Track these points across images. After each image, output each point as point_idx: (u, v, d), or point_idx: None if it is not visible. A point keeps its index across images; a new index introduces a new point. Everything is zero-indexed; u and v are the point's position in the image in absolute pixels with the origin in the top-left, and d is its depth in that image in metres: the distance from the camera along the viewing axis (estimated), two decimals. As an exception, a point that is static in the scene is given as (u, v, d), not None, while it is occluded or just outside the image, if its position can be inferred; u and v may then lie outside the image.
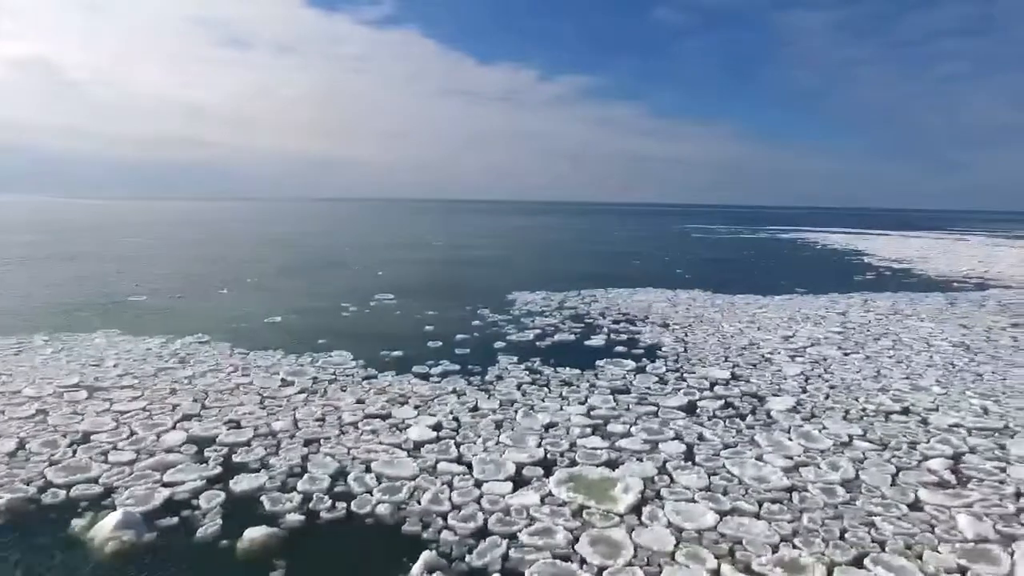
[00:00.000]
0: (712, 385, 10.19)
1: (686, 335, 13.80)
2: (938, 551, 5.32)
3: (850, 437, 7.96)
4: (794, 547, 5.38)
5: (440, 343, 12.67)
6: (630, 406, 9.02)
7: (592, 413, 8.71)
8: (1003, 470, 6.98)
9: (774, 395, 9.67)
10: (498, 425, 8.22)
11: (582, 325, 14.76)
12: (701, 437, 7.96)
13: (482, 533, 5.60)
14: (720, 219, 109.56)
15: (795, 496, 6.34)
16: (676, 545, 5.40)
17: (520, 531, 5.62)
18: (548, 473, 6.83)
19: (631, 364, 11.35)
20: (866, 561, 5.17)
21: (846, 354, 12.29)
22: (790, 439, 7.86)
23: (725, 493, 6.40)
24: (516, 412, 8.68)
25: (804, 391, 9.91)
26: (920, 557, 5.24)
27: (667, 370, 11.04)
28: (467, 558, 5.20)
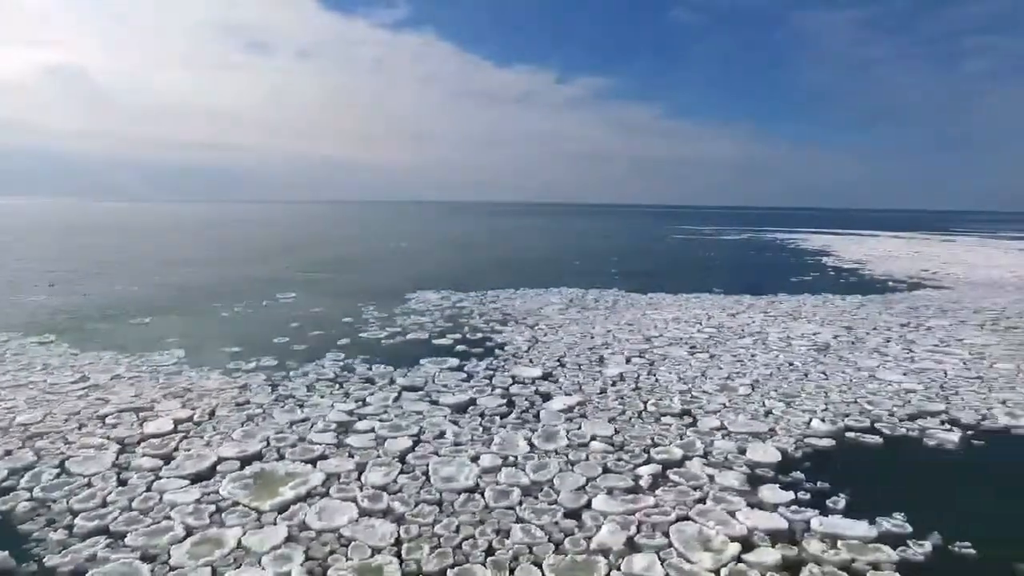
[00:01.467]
0: (511, 384, 10.02)
1: (546, 335, 13.60)
2: (542, 564, 5.11)
3: (593, 437, 7.78)
4: (399, 551, 5.24)
5: (287, 338, 12.73)
6: (403, 404, 8.90)
7: (355, 411, 8.62)
8: (712, 479, 6.71)
9: (566, 395, 9.48)
10: (247, 420, 8.17)
11: (448, 324, 14.63)
12: (441, 434, 7.82)
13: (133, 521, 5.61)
14: (726, 220, 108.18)
15: (465, 497, 6.17)
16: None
17: (156, 524, 5.57)
18: (245, 465, 6.81)
19: (454, 362, 11.23)
20: (456, 569, 5.01)
21: (691, 354, 12.01)
22: (530, 439, 7.68)
23: (397, 492, 6.28)
24: (274, 409, 8.60)
25: (602, 391, 9.69)
26: (512, 571, 5.03)
27: (483, 369, 10.88)
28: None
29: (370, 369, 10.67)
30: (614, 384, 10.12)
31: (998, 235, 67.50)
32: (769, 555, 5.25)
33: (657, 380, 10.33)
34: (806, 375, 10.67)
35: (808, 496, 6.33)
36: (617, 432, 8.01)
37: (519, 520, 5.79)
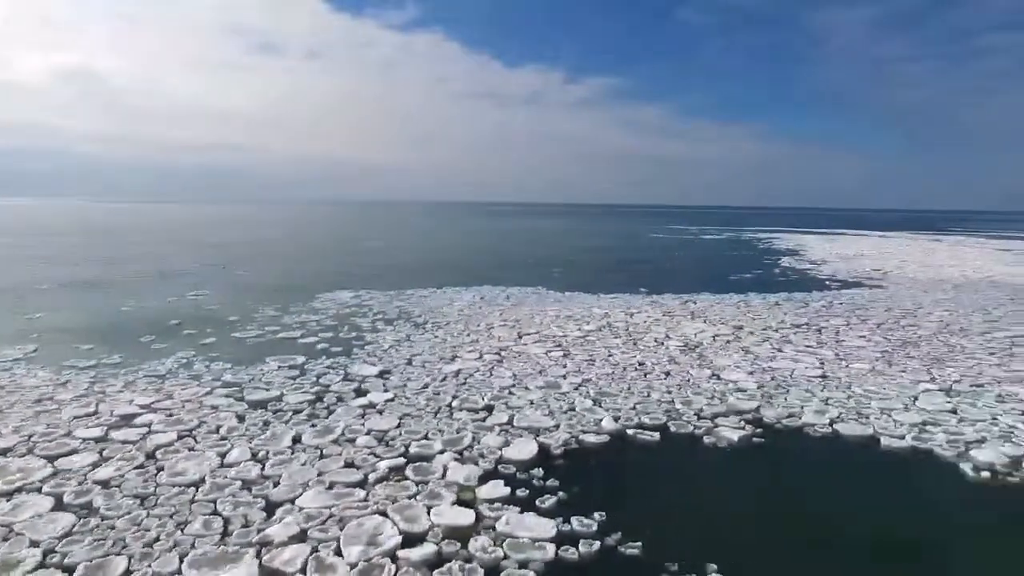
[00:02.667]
0: (337, 381, 9.96)
1: (423, 334, 13.54)
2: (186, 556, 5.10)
3: (368, 432, 7.75)
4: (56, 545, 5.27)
5: (153, 336, 12.83)
6: (205, 399, 8.89)
7: (151, 405, 8.64)
8: (445, 473, 6.64)
9: (384, 391, 9.43)
10: (35, 415, 8.23)
11: (332, 323, 14.55)
12: (217, 429, 7.80)
13: None
14: (725, 220, 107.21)
15: (178, 491, 6.16)
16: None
17: None
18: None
19: (300, 360, 11.21)
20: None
21: (546, 352, 11.90)
22: (301, 435, 7.65)
23: (117, 486, 6.30)
24: (69, 405, 8.62)
25: (424, 388, 9.62)
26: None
27: (322, 367, 10.82)
28: None
29: (207, 367, 10.66)
30: (443, 380, 10.06)
31: (1001, 235, 66.09)
32: (423, 551, 5.19)
33: (489, 377, 10.27)
34: (647, 375, 10.52)
35: (526, 493, 6.26)
36: (398, 426, 7.98)
37: (215, 513, 5.79)
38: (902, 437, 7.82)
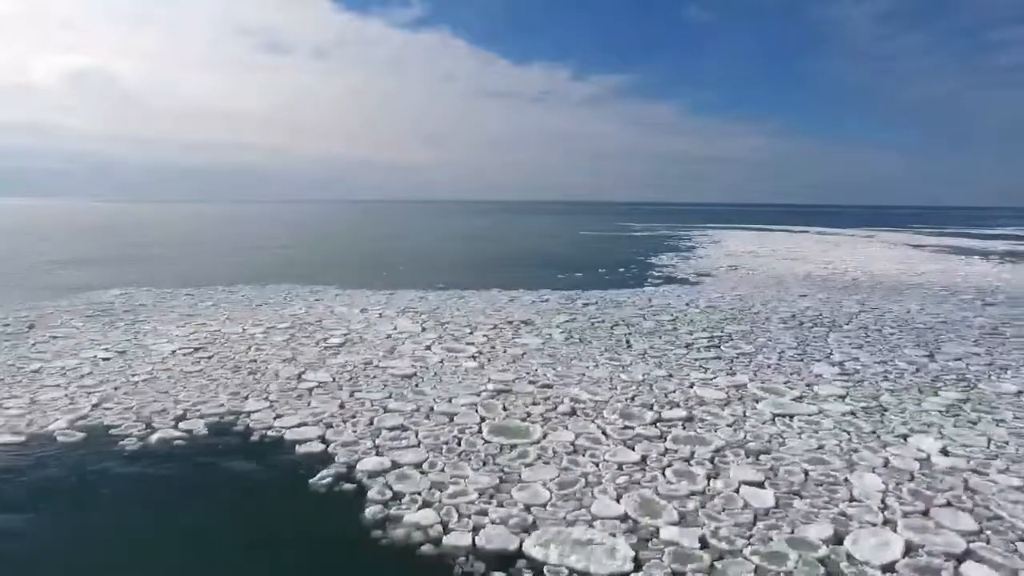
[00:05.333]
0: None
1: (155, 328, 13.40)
2: None
3: None
4: None
5: None
6: None
7: None
8: None
9: None
10: None
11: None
12: None
13: None
14: (709, 217, 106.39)
15: None
16: None
17: None
18: None
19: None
20: None
21: (183, 354, 11.68)
22: None
23: None
24: None
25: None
26: None
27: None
28: None
29: None
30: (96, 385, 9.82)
31: (962, 232, 64.55)
32: None
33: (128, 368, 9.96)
34: (256, 372, 10.09)
35: None
36: None
37: None
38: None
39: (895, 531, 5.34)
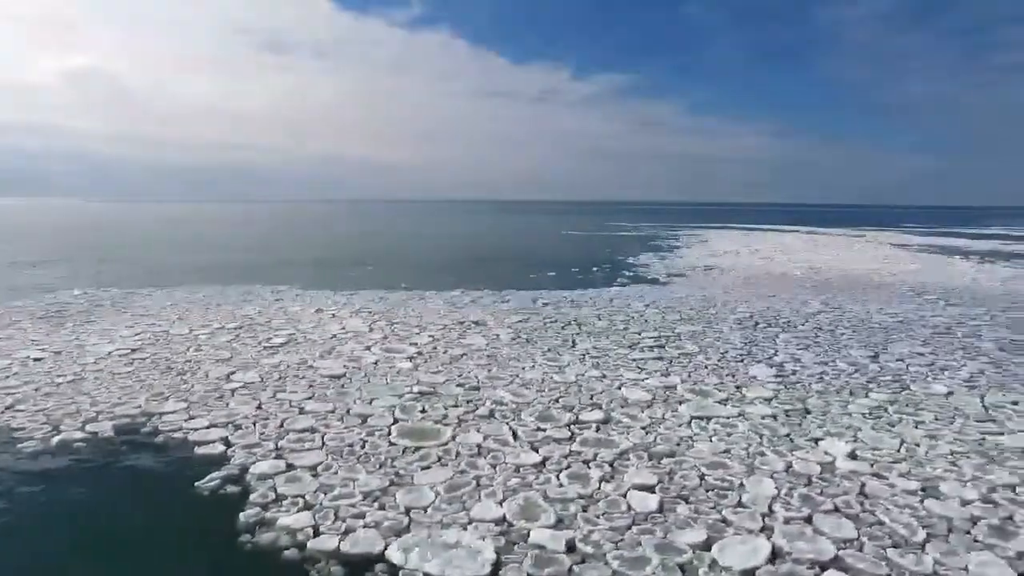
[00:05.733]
0: None
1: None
2: None
3: None
4: None
5: None
6: None
7: None
8: None
9: None
10: None
11: None
12: None
13: None
14: (708, 217, 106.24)
15: None
16: None
17: None
18: None
19: None
20: None
21: (142, 359, 11.61)
22: None
23: None
24: None
25: None
26: None
27: None
28: None
29: None
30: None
31: (959, 232, 64.36)
32: None
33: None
34: (186, 373, 10.00)
35: None
36: None
37: None
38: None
39: (769, 538, 5.27)
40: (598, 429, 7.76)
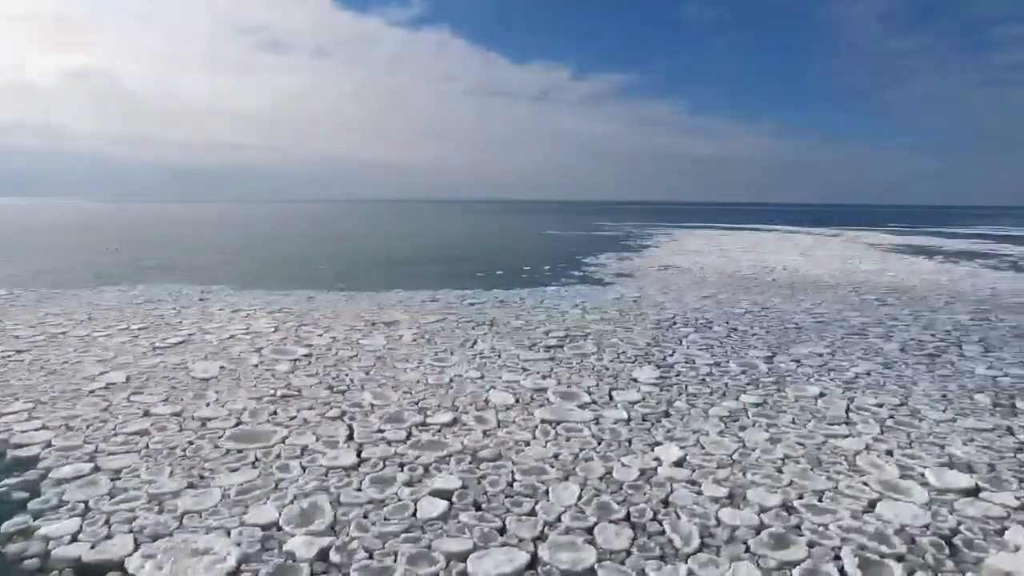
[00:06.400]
0: None
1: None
2: None
3: None
4: None
5: None
6: None
7: None
8: None
9: None
10: None
11: None
12: None
13: None
14: (696, 216, 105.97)
15: None
16: None
17: None
18: None
19: None
20: None
21: (19, 360, 11.50)
22: None
23: None
24: None
25: None
26: None
27: None
28: None
29: None
30: None
31: (941, 232, 64.09)
32: None
33: None
34: (55, 373, 9.88)
35: None
36: None
37: None
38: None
39: (533, 547, 5.11)
40: (438, 431, 7.60)
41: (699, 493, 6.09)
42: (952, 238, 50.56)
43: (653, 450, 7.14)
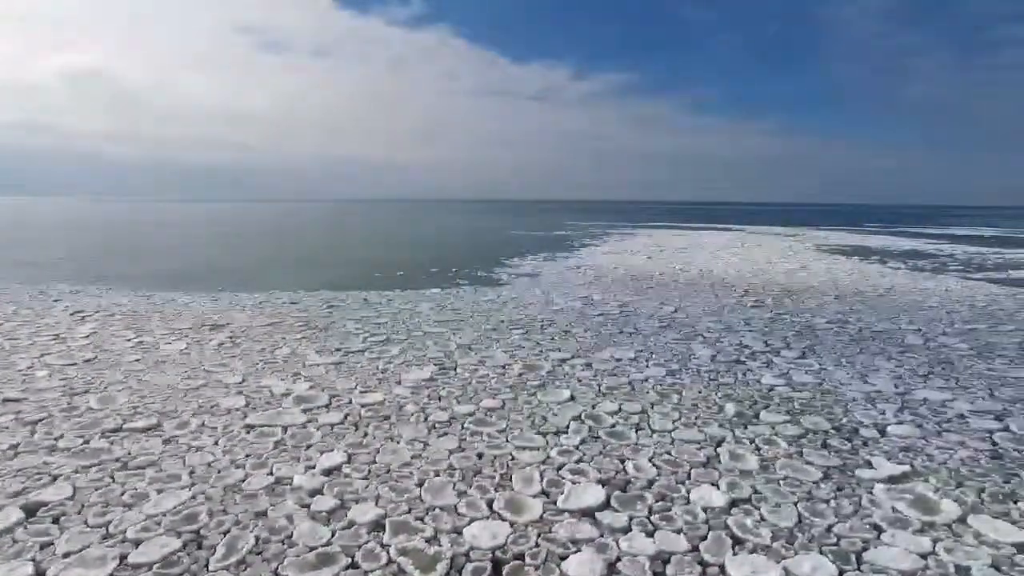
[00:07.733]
0: None
1: None
2: None
3: None
4: None
5: None
6: None
7: None
8: None
9: None
10: None
11: None
12: None
13: None
14: (677, 216, 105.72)
15: None
16: None
17: None
18: None
19: None
20: None
21: None
22: None
23: None
24: None
25: None
26: None
27: None
28: None
29: None
30: None
31: (914, 232, 63.50)
32: None
33: None
34: None
35: None
36: None
37: None
38: None
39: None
40: (127, 435, 7.42)
41: (301, 498, 5.87)
42: (913, 238, 50.03)
43: (321, 455, 6.92)
